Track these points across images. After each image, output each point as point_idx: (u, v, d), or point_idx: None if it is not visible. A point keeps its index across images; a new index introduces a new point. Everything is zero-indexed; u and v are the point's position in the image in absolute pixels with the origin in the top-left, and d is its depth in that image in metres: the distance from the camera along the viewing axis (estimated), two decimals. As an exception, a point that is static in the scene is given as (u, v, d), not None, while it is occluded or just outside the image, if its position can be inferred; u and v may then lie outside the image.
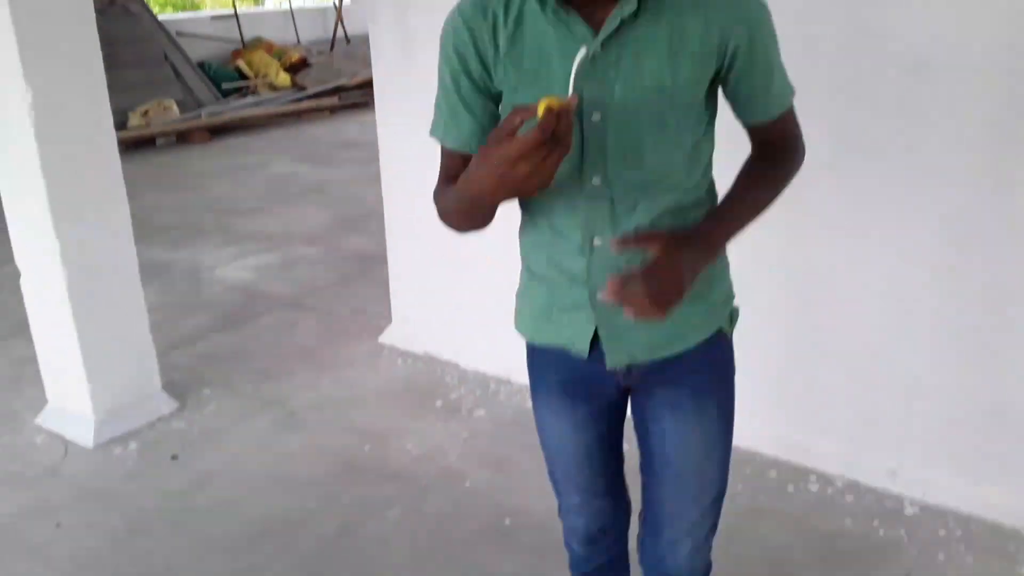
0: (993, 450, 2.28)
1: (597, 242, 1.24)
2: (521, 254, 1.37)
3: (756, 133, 1.30)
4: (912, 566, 2.14)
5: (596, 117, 1.17)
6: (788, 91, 1.27)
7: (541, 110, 1.00)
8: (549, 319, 1.33)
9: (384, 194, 3.38)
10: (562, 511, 1.56)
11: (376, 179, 3.38)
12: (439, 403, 3.01)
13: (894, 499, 2.37)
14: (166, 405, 3.00)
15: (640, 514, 1.51)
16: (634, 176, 1.20)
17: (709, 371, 1.35)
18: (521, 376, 3.01)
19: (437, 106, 1.28)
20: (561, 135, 1.00)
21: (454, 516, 2.41)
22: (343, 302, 3.99)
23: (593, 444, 1.42)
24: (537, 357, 1.42)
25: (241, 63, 9.91)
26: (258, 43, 10.55)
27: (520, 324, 1.40)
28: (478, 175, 1.07)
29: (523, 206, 1.32)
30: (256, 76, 9.76)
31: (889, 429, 2.42)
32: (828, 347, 2.47)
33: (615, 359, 1.29)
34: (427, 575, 2.20)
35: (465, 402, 3.02)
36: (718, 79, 1.21)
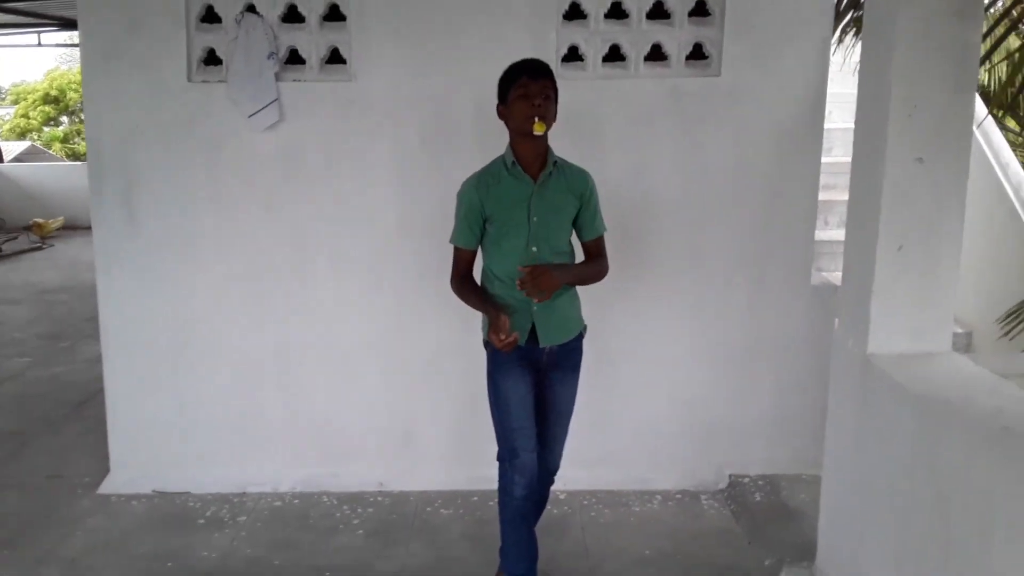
0: (596, 447, 3.77)
1: None
2: (490, 291, 2.68)
3: (584, 247, 2.77)
4: (582, 521, 3.50)
5: (535, 219, 2.60)
6: (602, 228, 2.74)
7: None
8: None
9: (103, 348, 3.72)
10: (516, 461, 2.62)
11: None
12: (201, 521, 3.50)
13: (552, 492, 3.66)
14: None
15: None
16: (549, 246, 2.64)
17: (576, 358, 2.81)
18: (257, 487, 3.68)
19: (458, 227, 2.66)
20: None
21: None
22: (30, 472, 4.04)
23: (531, 401, 2.70)
24: (500, 350, 2.55)
25: None
26: None
27: (488, 334, 2.60)
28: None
29: (489, 268, 2.69)
30: None
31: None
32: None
33: (545, 341, 2.67)
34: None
35: (223, 515, 3.55)
36: (577, 212, 2.70)
